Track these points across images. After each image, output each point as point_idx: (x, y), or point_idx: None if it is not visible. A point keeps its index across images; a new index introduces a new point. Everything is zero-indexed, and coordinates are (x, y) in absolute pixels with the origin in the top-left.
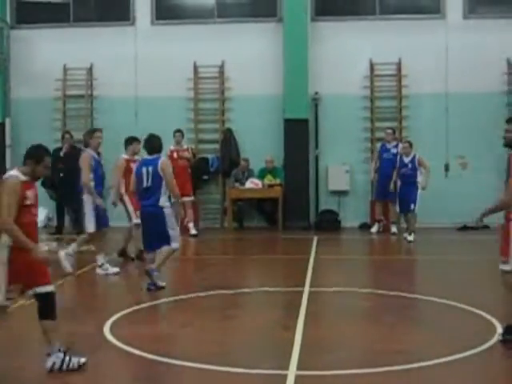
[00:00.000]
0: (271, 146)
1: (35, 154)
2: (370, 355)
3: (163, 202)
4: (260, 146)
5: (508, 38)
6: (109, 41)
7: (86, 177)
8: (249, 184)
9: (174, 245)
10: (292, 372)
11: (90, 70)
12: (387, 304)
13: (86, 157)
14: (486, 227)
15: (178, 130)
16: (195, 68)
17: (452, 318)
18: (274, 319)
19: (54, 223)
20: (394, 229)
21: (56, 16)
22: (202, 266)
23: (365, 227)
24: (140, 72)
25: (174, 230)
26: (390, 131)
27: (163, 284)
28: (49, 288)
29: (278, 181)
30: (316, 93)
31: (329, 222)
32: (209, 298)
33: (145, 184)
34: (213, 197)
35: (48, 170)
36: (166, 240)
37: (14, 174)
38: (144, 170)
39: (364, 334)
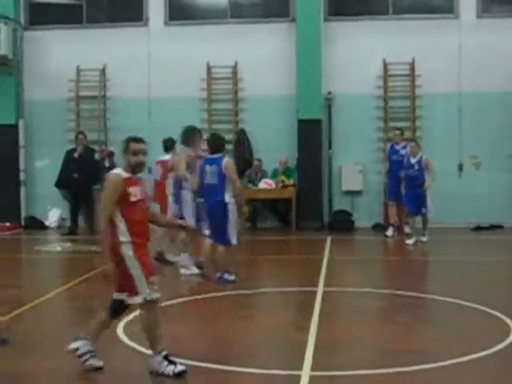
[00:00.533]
0: (285, 146)
1: (123, 145)
2: (383, 355)
3: (228, 198)
4: (273, 147)
5: None
6: (122, 42)
7: (184, 170)
8: (262, 184)
9: (233, 241)
10: (306, 373)
11: (103, 71)
12: (401, 304)
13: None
14: (500, 227)
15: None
16: (208, 68)
17: (467, 319)
18: (287, 320)
19: (68, 224)
20: (407, 229)
21: (69, 17)
22: None
23: (378, 228)
24: (153, 73)
25: (233, 227)
26: (398, 132)
27: (232, 278)
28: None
29: (291, 181)
30: (329, 93)
31: (342, 223)
32: (223, 299)
33: (209, 181)
34: None
35: (137, 156)
36: (224, 236)
37: (116, 171)
38: (208, 168)
39: (378, 334)
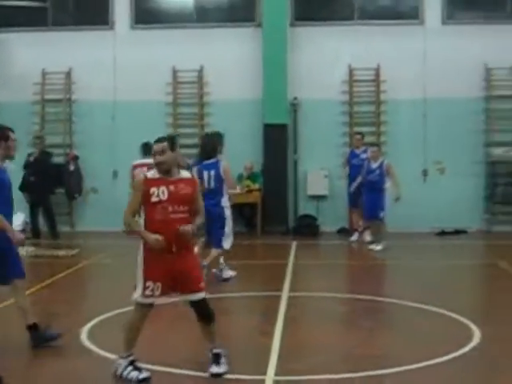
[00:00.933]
0: (250, 151)
1: None
2: (348, 360)
3: (225, 202)
4: (239, 151)
5: (486, 43)
6: (87, 45)
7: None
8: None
9: (226, 245)
10: (270, 377)
11: (68, 74)
12: (366, 309)
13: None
14: (464, 232)
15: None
16: (174, 72)
17: (430, 323)
18: (252, 324)
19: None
20: (367, 237)
21: (34, 20)
22: None
23: (343, 232)
24: (118, 76)
25: (229, 230)
26: (358, 136)
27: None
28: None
29: (256, 186)
30: (295, 98)
31: (307, 227)
32: (187, 304)
33: (207, 186)
34: None
35: (155, 156)
36: (219, 240)
37: (148, 172)
38: (206, 173)
39: (342, 338)
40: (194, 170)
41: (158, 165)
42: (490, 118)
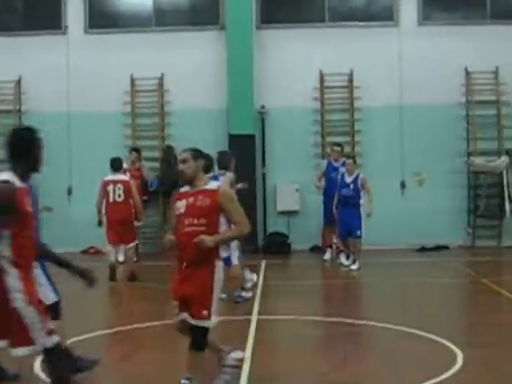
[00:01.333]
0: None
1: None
2: None
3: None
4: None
5: (465, 45)
6: (38, 51)
7: None
8: None
9: (234, 261)
10: None
11: (18, 83)
12: (341, 332)
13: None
14: (446, 248)
15: (135, 149)
16: (132, 80)
17: (410, 346)
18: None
19: None
20: (343, 259)
21: None
22: (143, 294)
23: (316, 250)
24: (72, 84)
25: (235, 245)
26: (337, 148)
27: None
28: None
29: None
30: (262, 106)
31: (278, 245)
32: (149, 329)
33: None
34: (153, 219)
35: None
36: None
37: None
38: None
39: (316, 364)
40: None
41: (179, 174)
42: (472, 124)
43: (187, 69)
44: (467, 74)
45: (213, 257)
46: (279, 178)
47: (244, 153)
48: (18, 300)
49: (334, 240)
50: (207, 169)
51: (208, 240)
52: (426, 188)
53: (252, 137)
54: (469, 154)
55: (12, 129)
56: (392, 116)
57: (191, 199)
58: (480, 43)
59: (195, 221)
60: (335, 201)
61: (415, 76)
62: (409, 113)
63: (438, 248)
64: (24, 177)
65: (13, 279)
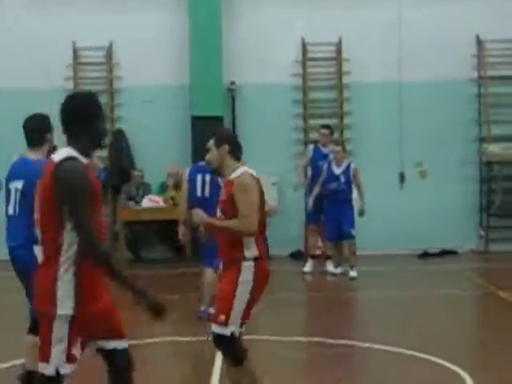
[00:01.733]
0: (175, 151)
1: None
2: None
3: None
4: (160, 153)
5: (478, 9)
6: None
7: None
8: (146, 202)
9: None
10: None
11: None
12: (330, 354)
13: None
14: (454, 253)
15: None
16: (75, 51)
17: (411, 371)
18: (185, 375)
19: None
20: (330, 267)
21: None
22: None
23: (298, 256)
24: (2, 56)
25: None
26: (325, 131)
27: None
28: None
29: None
30: (232, 82)
31: None
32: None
33: (200, 194)
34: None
35: None
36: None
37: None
38: (199, 177)
39: None
40: (186, 172)
41: (207, 163)
42: (485, 105)
43: (142, 37)
44: (479, 43)
45: (237, 256)
46: (253, 169)
47: (210, 138)
48: None
49: (320, 244)
50: (234, 153)
51: (201, 216)
52: (429, 181)
53: (220, 119)
54: (481, 140)
55: (67, 95)
56: (389, 95)
57: (222, 191)
58: (495, 6)
59: (222, 216)
60: (315, 192)
61: (417, 46)
62: (409, 91)
63: (444, 253)
64: (85, 154)
65: None
